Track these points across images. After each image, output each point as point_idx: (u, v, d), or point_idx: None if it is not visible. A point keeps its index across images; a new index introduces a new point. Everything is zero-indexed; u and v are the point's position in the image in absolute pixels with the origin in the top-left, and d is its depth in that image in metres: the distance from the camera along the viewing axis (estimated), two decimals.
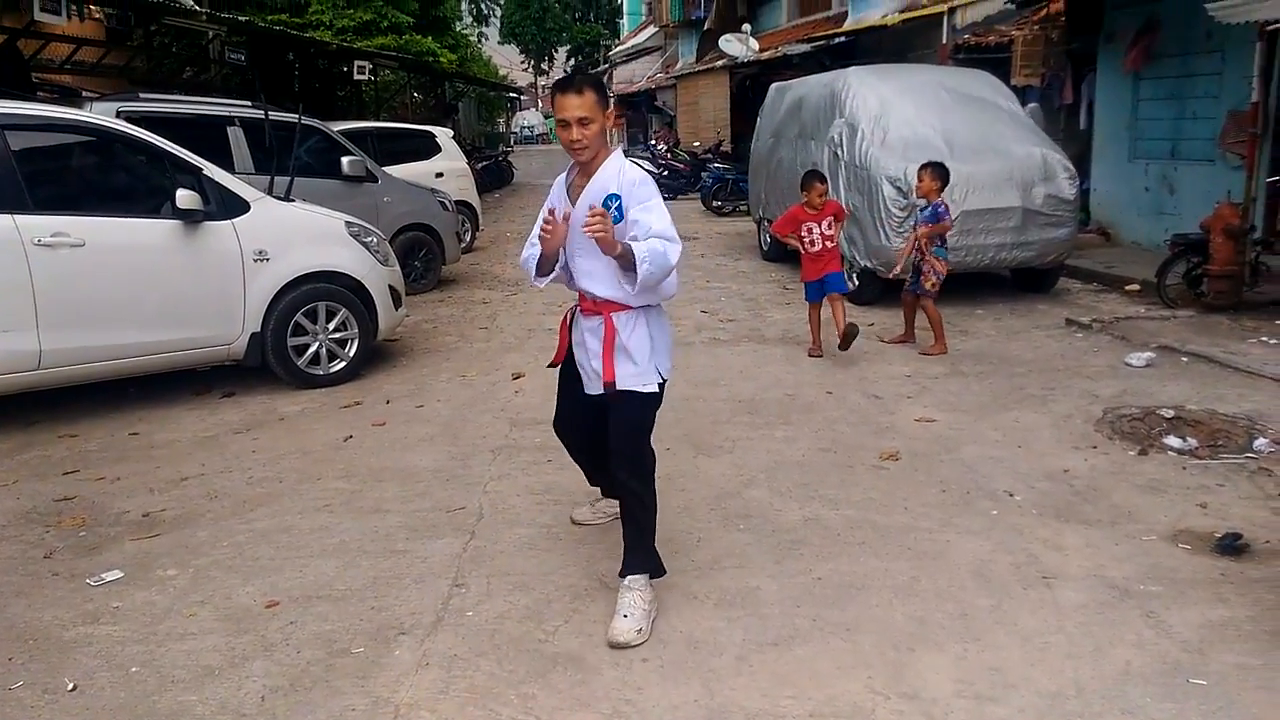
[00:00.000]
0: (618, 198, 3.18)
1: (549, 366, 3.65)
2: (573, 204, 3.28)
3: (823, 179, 7.09)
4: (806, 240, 6.97)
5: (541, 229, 3.18)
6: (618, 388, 3.25)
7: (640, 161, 19.31)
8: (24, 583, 3.71)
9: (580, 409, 3.52)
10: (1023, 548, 3.79)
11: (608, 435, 3.33)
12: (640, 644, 3.12)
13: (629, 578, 3.31)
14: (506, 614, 3.36)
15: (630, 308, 3.29)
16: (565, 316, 3.53)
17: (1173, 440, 4.91)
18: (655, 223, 3.14)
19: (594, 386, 3.36)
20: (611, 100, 3.35)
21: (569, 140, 3.15)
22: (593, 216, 2.96)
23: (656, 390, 3.32)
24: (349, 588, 3.59)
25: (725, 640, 3.16)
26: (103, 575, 3.74)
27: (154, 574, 3.75)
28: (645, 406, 3.33)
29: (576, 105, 3.10)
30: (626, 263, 3.07)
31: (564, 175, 3.41)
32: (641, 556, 3.35)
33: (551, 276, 3.38)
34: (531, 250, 3.35)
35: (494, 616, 3.35)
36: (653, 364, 3.31)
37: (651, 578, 3.36)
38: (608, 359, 3.25)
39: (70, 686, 2.99)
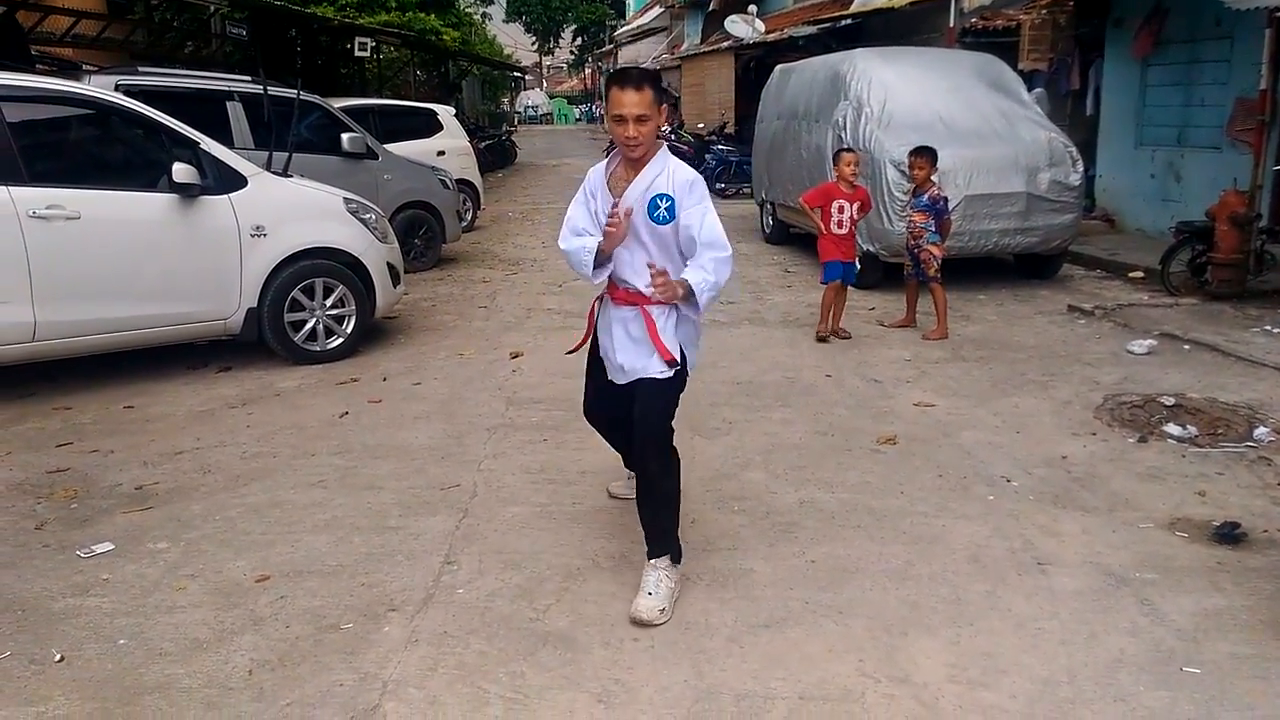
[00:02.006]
0: (669, 198, 3.16)
1: (568, 353, 3.61)
2: (615, 197, 3.25)
3: (852, 151, 7.03)
4: (834, 220, 6.92)
5: (607, 225, 3.14)
6: (654, 375, 3.24)
7: None
8: (14, 554, 3.69)
9: (607, 395, 3.49)
10: (1019, 534, 3.77)
11: (633, 423, 3.29)
12: (663, 623, 3.11)
13: (654, 559, 3.28)
14: (498, 592, 3.35)
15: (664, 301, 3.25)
16: (594, 304, 3.50)
17: (1173, 428, 4.88)
18: (706, 231, 3.14)
19: (619, 377, 3.34)
20: (664, 98, 3.33)
21: (625, 137, 3.11)
22: (656, 277, 3.01)
23: (685, 374, 3.35)
24: (340, 563, 3.57)
25: (717, 622, 3.14)
26: (93, 547, 3.72)
27: (144, 547, 3.74)
28: (673, 390, 3.32)
29: (635, 102, 3.06)
30: (688, 300, 3.12)
31: (604, 165, 3.37)
32: (664, 540, 3.31)
33: (608, 270, 3.30)
34: (581, 243, 3.26)
35: (485, 594, 3.33)
36: (679, 350, 3.30)
37: (674, 562, 3.32)
38: (658, 343, 3.22)
39: (57, 658, 2.98)
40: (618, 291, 3.33)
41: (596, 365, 3.51)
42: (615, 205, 3.20)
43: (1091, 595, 3.29)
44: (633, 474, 3.90)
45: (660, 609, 3.14)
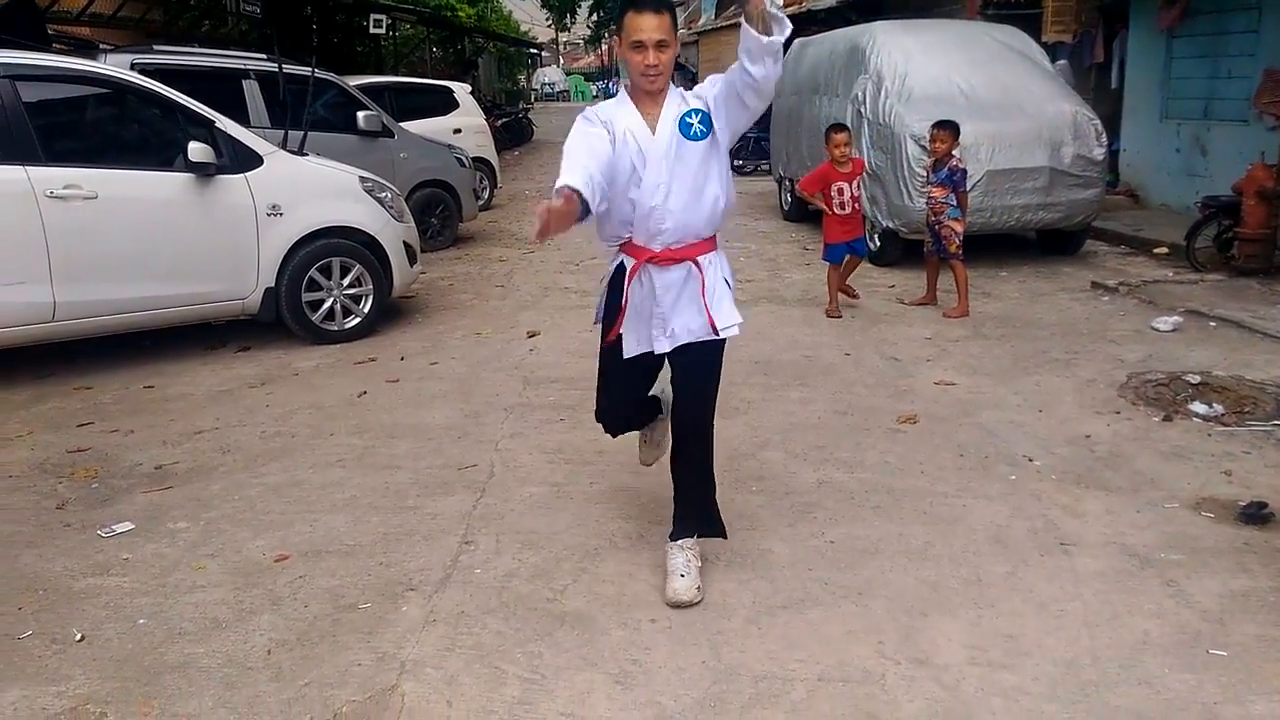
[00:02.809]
0: (696, 111, 2.94)
1: (606, 343, 3.20)
2: (651, 129, 2.94)
3: (842, 129, 6.96)
4: (836, 202, 6.86)
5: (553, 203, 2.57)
6: (720, 334, 3.05)
7: None
8: (35, 533, 3.72)
9: (636, 386, 3.32)
10: (1041, 514, 3.73)
11: (679, 402, 3.13)
12: (698, 601, 3.09)
13: (682, 540, 3.22)
14: (515, 572, 3.34)
15: (712, 246, 3.08)
16: (628, 280, 3.07)
17: (1198, 406, 4.81)
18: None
19: (662, 344, 3.09)
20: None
21: (644, 65, 2.85)
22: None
23: (737, 330, 3.11)
24: (358, 543, 3.57)
25: (735, 602, 3.12)
26: (113, 527, 3.74)
27: (164, 526, 3.75)
28: (718, 355, 3.14)
29: (655, 26, 2.83)
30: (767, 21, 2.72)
31: (618, 105, 2.99)
32: (706, 518, 3.27)
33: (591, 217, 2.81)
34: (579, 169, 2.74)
35: (502, 574, 3.32)
36: (730, 300, 3.11)
37: (705, 535, 3.27)
38: (707, 306, 3.02)
39: (78, 637, 2.99)
40: (659, 253, 3.00)
41: (617, 360, 3.18)
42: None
43: (1115, 576, 3.25)
44: (648, 436, 3.69)
45: (697, 586, 3.11)
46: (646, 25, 2.83)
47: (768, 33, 2.72)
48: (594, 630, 2.98)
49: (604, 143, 2.88)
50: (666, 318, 3.07)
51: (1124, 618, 3.00)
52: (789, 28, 2.77)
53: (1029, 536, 3.55)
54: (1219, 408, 4.78)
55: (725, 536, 3.34)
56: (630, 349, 3.13)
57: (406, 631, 2.97)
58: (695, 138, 2.95)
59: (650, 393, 3.46)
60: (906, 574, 3.29)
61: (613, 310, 3.14)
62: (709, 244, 3.08)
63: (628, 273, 3.08)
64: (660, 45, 2.85)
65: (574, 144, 2.87)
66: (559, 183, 2.67)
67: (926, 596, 3.14)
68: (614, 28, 3.19)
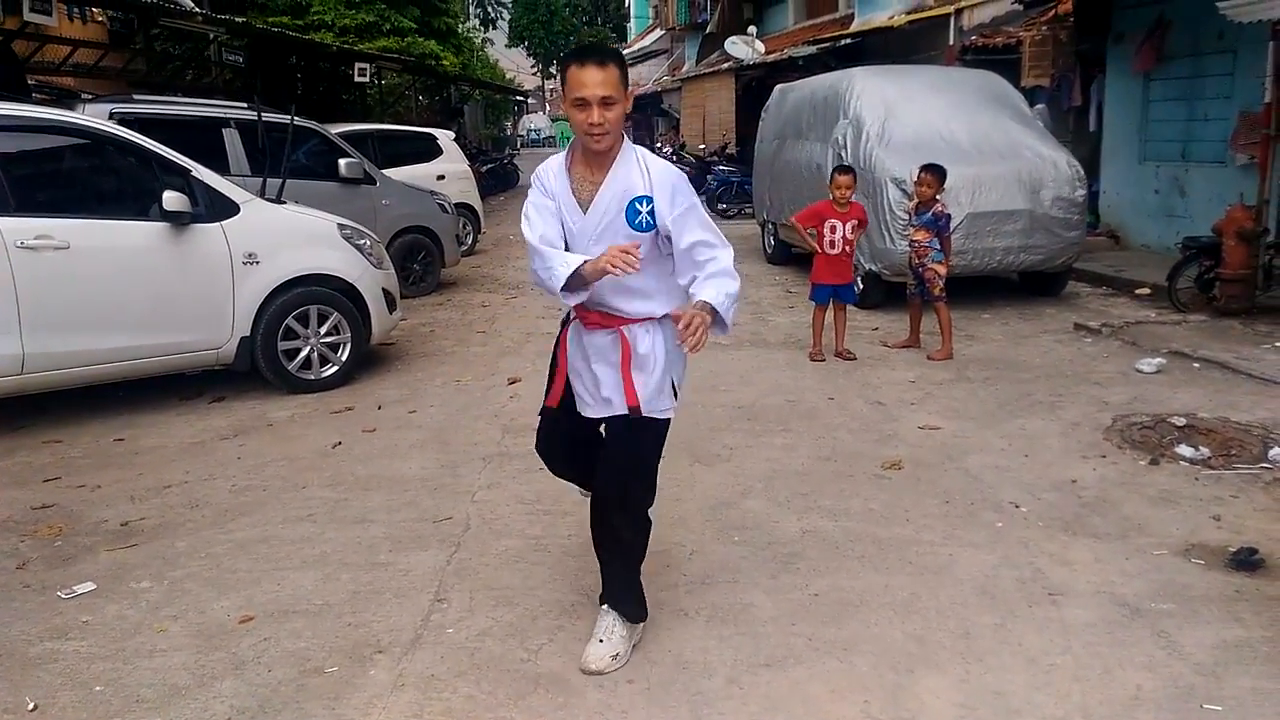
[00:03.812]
0: (649, 200, 2.73)
1: (541, 413, 3.14)
2: (582, 207, 2.81)
3: (848, 171, 6.96)
4: (827, 240, 6.84)
5: (620, 265, 2.56)
6: (643, 413, 2.86)
7: None
8: None
9: (572, 432, 3.10)
10: (1028, 562, 3.65)
11: (603, 468, 2.95)
12: (615, 670, 2.93)
13: (605, 604, 3.07)
14: (488, 631, 3.23)
15: (652, 318, 2.88)
16: (561, 336, 3.01)
17: (1185, 449, 4.76)
18: (698, 233, 2.75)
19: (593, 410, 2.95)
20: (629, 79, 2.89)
21: (588, 124, 2.64)
22: (686, 330, 2.55)
23: (670, 417, 2.96)
24: (326, 602, 3.45)
25: (716, 660, 3.02)
26: (75, 587, 3.61)
27: (127, 586, 3.63)
28: (659, 434, 2.96)
29: (599, 81, 2.60)
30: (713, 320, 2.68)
31: (560, 162, 2.86)
32: (624, 596, 3.04)
33: (585, 296, 2.81)
34: (560, 254, 2.75)
35: (475, 634, 3.21)
36: (668, 378, 2.91)
37: (630, 621, 3.04)
38: (627, 379, 2.84)
39: (31, 706, 2.86)
40: (590, 315, 2.88)
41: (555, 408, 3.07)
42: (579, 223, 2.77)
43: (1105, 627, 3.17)
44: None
45: (613, 654, 2.94)
46: (590, 79, 2.62)
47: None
48: (569, 693, 2.87)
49: (553, 216, 2.84)
50: (594, 385, 2.93)
51: (1115, 671, 2.92)
52: (728, 326, 2.79)
53: (1017, 586, 3.46)
54: (1205, 450, 4.73)
55: (643, 620, 3.09)
56: (562, 399, 3.02)
57: (374, 697, 2.86)
58: (640, 228, 2.76)
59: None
60: (893, 628, 3.20)
61: (553, 364, 3.08)
62: (649, 316, 2.88)
63: (571, 330, 2.99)
64: (605, 102, 2.62)
65: (534, 222, 2.84)
66: (566, 272, 2.69)
67: (913, 652, 3.05)
68: (555, 76, 3.10)
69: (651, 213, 2.75)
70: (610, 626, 3.02)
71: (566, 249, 2.82)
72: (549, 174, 2.88)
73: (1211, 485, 4.37)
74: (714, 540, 3.92)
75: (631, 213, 2.76)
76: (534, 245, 2.80)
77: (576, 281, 2.72)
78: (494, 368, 6.88)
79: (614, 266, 2.57)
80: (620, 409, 2.89)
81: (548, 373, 3.14)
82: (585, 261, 2.69)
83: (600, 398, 2.93)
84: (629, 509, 2.97)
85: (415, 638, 3.19)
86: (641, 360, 2.86)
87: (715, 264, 2.75)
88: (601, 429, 3.05)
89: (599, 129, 2.65)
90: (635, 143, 2.89)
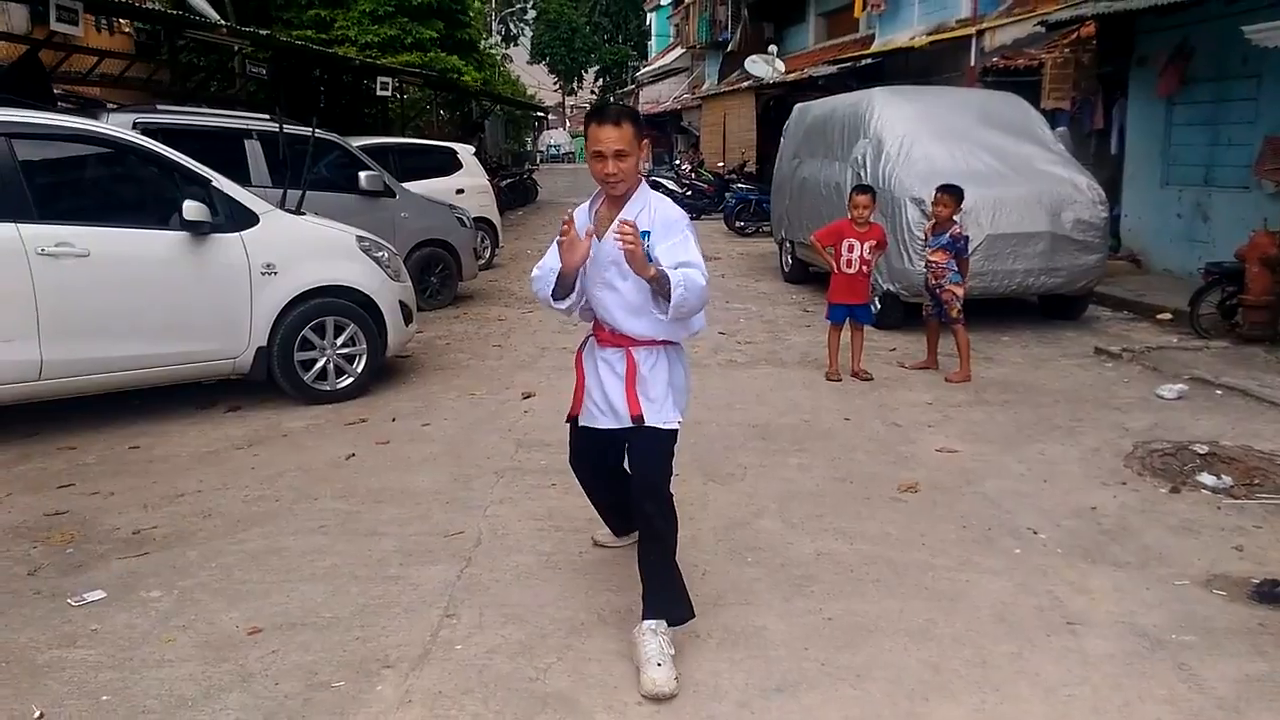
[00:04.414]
0: (646, 234, 3.03)
1: (568, 421, 3.43)
2: (598, 237, 3.15)
3: (866, 190, 6.94)
4: (844, 259, 6.82)
5: (559, 237, 3.04)
6: (646, 423, 3.14)
7: (664, 181, 19.28)
8: (4, 601, 3.58)
9: (594, 448, 3.42)
10: (1047, 590, 3.58)
11: (632, 474, 3.23)
12: (678, 693, 2.90)
13: (653, 621, 3.07)
14: (497, 648, 3.19)
15: (655, 342, 3.18)
16: (579, 351, 3.39)
17: (1206, 478, 4.68)
18: (687, 254, 3.04)
19: (605, 420, 3.25)
20: (644, 132, 3.21)
21: (604, 173, 3.05)
22: (624, 227, 2.83)
23: (676, 427, 3.22)
24: (335, 615, 3.43)
25: (727, 684, 2.97)
26: (85, 595, 3.60)
27: (137, 595, 3.62)
28: (665, 441, 3.20)
29: (614, 139, 3.00)
30: (660, 287, 2.95)
31: (589, 204, 3.30)
32: (669, 599, 3.12)
33: (569, 303, 3.24)
34: (545, 271, 3.20)
35: (484, 651, 3.18)
36: (670, 400, 3.20)
37: (673, 624, 3.10)
38: (630, 393, 3.15)
39: (37, 714, 2.85)
40: (603, 333, 3.24)
41: (578, 425, 3.39)
42: (590, 230, 3.13)
43: (1125, 659, 3.11)
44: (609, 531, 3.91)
45: (675, 676, 2.93)
46: (605, 137, 2.99)
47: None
48: (577, 713, 2.83)
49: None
50: (603, 397, 3.23)
51: (1135, 704, 2.86)
52: (671, 305, 2.97)
53: (1035, 615, 3.41)
54: (1228, 479, 4.66)
55: (692, 617, 3.18)
56: (582, 418, 3.32)
57: (380, 713, 2.83)
58: None
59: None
60: (907, 654, 3.15)
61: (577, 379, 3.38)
62: (652, 341, 3.18)
63: (584, 342, 3.35)
64: (619, 155, 3.00)
65: (547, 255, 3.24)
66: (551, 276, 3.19)
67: (928, 679, 3.00)
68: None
69: (650, 248, 3.03)
70: (662, 647, 2.99)
71: (583, 277, 3.20)
72: (578, 215, 3.24)
73: (1234, 515, 4.30)
74: (727, 561, 3.88)
75: None
76: (532, 277, 3.27)
77: (565, 282, 3.15)
78: (508, 382, 6.87)
79: (561, 236, 3.03)
80: (620, 422, 3.19)
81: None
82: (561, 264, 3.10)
83: (609, 408, 3.22)
84: (655, 499, 3.15)
85: (423, 653, 3.16)
86: (644, 378, 3.17)
87: (684, 273, 2.97)
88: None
89: (614, 178, 3.05)
90: (655, 160, 3.08)
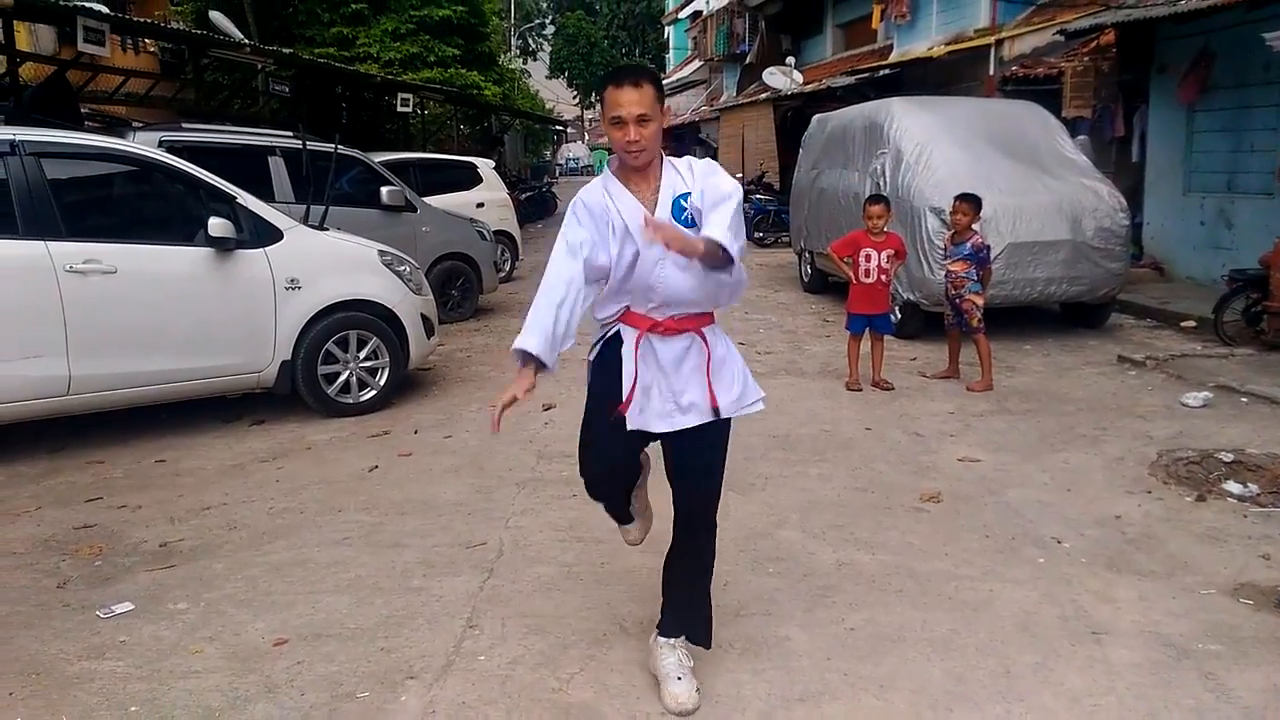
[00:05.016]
0: (688, 195, 2.76)
1: (614, 420, 2.86)
2: (642, 220, 2.71)
3: (879, 200, 6.94)
4: (862, 269, 6.82)
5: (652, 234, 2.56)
6: (723, 415, 2.86)
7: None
8: (34, 613, 3.63)
9: (633, 453, 3.01)
10: (1071, 600, 3.56)
11: (686, 483, 2.92)
12: (699, 707, 2.88)
13: (671, 638, 3.02)
14: (520, 659, 3.21)
15: (712, 320, 2.90)
16: (634, 346, 2.87)
17: (1232, 486, 4.64)
18: (731, 228, 2.67)
19: (673, 420, 2.85)
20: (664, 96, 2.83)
21: (625, 142, 2.69)
22: (650, 229, 2.55)
23: (761, 406, 2.97)
24: (359, 626, 3.46)
25: (749, 695, 2.97)
26: (113, 607, 3.65)
27: (165, 607, 3.66)
28: (726, 437, 2.95)
29: (636, 100, 2.66)
30: (714, 257, 2.62)
31: (599, 186, 2.84)
32: (699, 623, 3.04)
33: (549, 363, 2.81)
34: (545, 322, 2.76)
35: (507, 661, 3.19)
36: (748, 380, 2.95)
37: (693, 643, 3.04)
38: (710, 383, 2.84)
39: None
40: (663, 322, 2.83)
41: (603, 423, 2.93)
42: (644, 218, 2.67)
43: (1150, 668, 3.08)
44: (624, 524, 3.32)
45: (698, 690, 2.91)
46: (626, 99, 2.66)
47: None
48: None
49: (587, 249, 2.79)
50: (677, 392, 2.84)
51: (1161, 714, 2.83)
52: (736, 261, 2.67)
53: (1059, 624, 3.39)
54: (1254, 487, 4.62)
55: (709, 647, 3.09)
56: (633, 422, 2.86)
57: None
58: (687, 224, 2.75)
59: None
60: (931, 664, 3.14)
61: (606, 384, 2.91)
62: (709, 317, 2.91)
63: (630, 343, 2.86)
64: (641, 120, 2.67)
65: (554, 266, 2.82)
66: (518, 342, 2.76)
67: (952, 689, 2.99)
68: (595, 99, 3.09)
69: (696, 209, 2.75)
70: (680, 661, 2.96)
71: (629, 272, 2.80)
72: (593, 197, 2.83)
73: (1260, 523, 4.26)
74: (748, 571, 3.88)
75: (677, 209, 2.76)
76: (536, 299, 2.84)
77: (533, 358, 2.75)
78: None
79: (649, 233, 2.56)
80: (704, 414, 2.85)
81: (590, 391, 3.01)
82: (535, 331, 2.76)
83: (682, 406, 2.85)
84: (712, 522, 2.98)
85: (447, 664, 3.18)
86: (720, 361, 2.89)
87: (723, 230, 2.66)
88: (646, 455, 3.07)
89: (635, 145, 2.69)
90: None
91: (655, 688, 2.98)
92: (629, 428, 2.87)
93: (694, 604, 3.05)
